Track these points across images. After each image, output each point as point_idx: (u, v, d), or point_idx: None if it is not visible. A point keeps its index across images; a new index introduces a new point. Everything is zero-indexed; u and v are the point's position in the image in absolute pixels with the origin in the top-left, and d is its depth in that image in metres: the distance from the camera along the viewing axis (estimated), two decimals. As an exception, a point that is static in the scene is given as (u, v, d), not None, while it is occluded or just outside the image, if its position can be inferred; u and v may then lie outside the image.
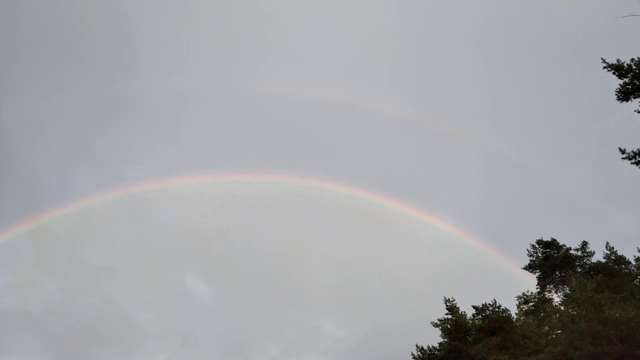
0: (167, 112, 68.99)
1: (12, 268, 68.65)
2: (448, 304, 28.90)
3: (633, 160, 14.76)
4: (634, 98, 14.51)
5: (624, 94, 14.59)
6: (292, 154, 73.06)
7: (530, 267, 30.11)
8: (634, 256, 27.09)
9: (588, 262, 28.52)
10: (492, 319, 25.77)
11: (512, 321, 26.35)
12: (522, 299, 31.32)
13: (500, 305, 26.60)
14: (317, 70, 67.96)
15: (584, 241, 29.30)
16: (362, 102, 66.79)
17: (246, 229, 74.32)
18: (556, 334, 25.44)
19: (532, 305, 30.23)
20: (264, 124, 73.42)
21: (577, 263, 28.67)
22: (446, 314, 28.96)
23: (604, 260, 27.58)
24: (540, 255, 29.73)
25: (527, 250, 30.31)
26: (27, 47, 60.07)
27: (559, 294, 28.94)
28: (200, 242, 72.97)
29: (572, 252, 29.05)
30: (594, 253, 29.01)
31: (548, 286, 29.50)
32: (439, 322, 29.00)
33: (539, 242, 29.95)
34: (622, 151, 14.92)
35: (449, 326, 28.05)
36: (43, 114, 62.76)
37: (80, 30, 60.34)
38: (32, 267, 69.50)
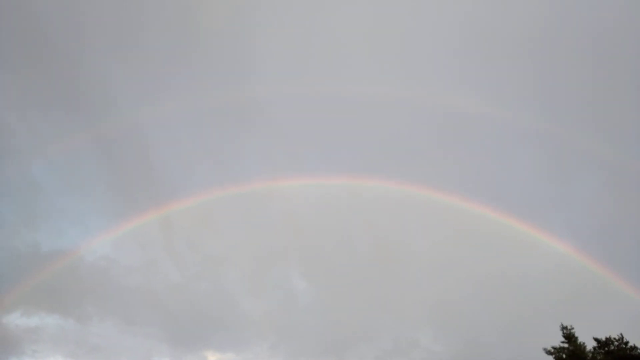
0: (278, 117, 73.03)
1: (142, 250, 77.81)
2: (565, 331, 27.31)
3: None
4: None
5: None
6: (395, 159, 72.75)
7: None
8: None
9: None
10: (617, 356, 23.90)
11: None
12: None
13: (627, 342, 24.57)
14: (419, 73, 66.82)
15: None
16: (469, 107, 64.17)
17: (347, 232, 75.84)
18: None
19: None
20: (368, 129, 74.16)
21: None
22: (562, 342, 27.41)
23: None
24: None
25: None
26: (160, 54, 67.74)
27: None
28: (303, 241, 76.12)
29: None
30: None
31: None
32: (552, 350, 27.48)
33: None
34: None
35: (564, 356, 26.51)
36: (173, 116, 70.17)
37: (209, 38, 66.43)
38: (158, 250, 78.19)
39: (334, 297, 73.54)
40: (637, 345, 24.24)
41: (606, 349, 24.78)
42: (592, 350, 25.94)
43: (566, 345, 26.66)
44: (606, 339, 24.97)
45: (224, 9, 64.42)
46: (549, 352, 27.39)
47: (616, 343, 24.50)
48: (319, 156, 72.90)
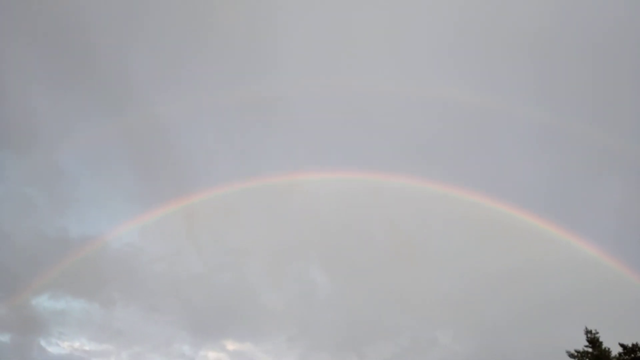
0: (301, 112, 73.10)
1: (166, 239, 79.37)
2: (589, 335, 26.76)
3: None
4: None
5: None
6: (417, 156, 71.97)
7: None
8: None
9: None
10: (644, 362, 23.29)
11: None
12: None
13: (656, 349, 23.90)
14: (442, 71, 65.65)
15: None
16: (492, 104, 62.90)
17: (368, 228, 75.65)
18: None
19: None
20: (391, 125, 73.53)
21: None
22: (585, 347, 26.89)
23: None
24: None
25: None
26: (188, 49, 68.58)
27: None
28: (325, 236, 76.31)
29: None
30: None
31: None
32: (576, 354, 26.97)
33: None
34: None
35: (588, 360, 26.05)
36: (198, 109, 71.04)
37: (234, 33, 66.90)
38: (182, 240, 79.62)
39: (353, 293, 73.69)
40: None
41: (632, 355, 24.12)
42: (618, 356, 25.35)
43: (590, 349, 26.13)
44: (633, 345, 24.33)
45: (249, 5, 64.88)
46: (572, 356, 26.89)
47: (644, 349, 23.81)
48: (340, 151, 72.83)
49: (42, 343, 64.65)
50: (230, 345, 79.89)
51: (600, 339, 26.36)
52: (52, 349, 64.65)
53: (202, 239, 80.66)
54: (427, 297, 67.58)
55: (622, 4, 59.44)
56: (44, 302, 68.88)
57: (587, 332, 26.82)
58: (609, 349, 26.05)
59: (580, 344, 26.74)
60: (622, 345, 25.21)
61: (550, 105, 63.76)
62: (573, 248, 54.72)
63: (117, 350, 71.34)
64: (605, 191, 65.83)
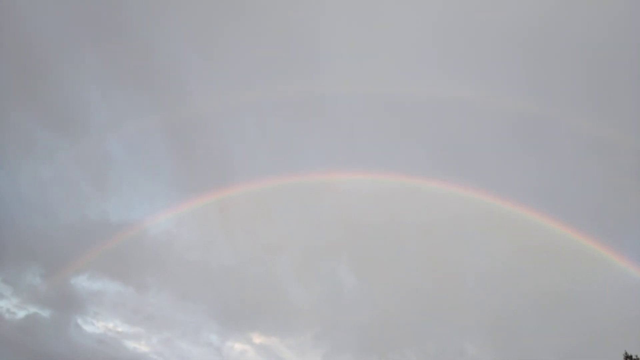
0: (341, 112, 72.90)
1: (201, 230, 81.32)
2: (628, 361, 25.08)
3: None
4: None
5: None
6: (458, 162, 69.99)
7: None
8: None
9: None
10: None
11: None
12: None
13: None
14: (486, 74, 63.38)
15: None
16: (539, 111, 60.16)
17: (400, 232, 74.42)
18: None
19: None
20: (431, 129, 72.01)
21: None
22: (624, 372, 25.18)
23: None
24: None
25: None
26: (233, 46, 69.75)
27: None
28: (355, 237, 75.80)
29: None
30: None
31: None
32: (612, 380, 25.36)
33: None
34: None
35: (626, 387, 24.34)
36: (240, 105, 72.25)
37: (279, 33, 67.57)
38: (216, 231, 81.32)
39: (381, 296, 72.77)
40: None
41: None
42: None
43: (629, 375, 24.44)
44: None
45: (296, 4, 65.28)
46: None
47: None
48: (376, 153, 72.06)
49: (79, 321, 67.84)
50: (257, 339, 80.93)
51: (641, 365, 24.61)
52: (87, 328, 67.73)
53: (235, 232, 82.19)
54: (458, 307, 65.75)
55: (618, 3, 56.04)
56: (82, 282, 72.23)
57: (627, 357, 25.12)
58: (649, 376, 24.27)
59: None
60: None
61: (605, 116, 60.44)
62: (621, 271, 51.74)
63: (148, 334, 73.82)
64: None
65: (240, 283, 79.31)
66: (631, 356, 25.14)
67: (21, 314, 62.78)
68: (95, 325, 69.27)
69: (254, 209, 76.70)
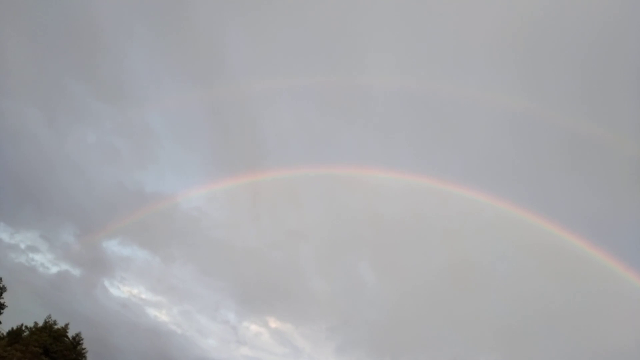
0: (381, 109, 72.01)
1: (230, 209, 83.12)
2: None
3: None
4: None
5: None
6: (495, 174, 67.91)
7: None
8: None
9: None
10: None
11: None
12: None
13: None
14: (533, 87, 60.58)
15: None
16: (583, 130, 57.19)
17: (426, 236, 73.30)
18: None
19: None
20: (472, 136, 70.07)
21: None
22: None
23: None
24: None
25: None
26: (280, 34, 70.05)
27: None
28: (381, 236, 75.43)
29: None
30: None
31: None
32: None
33: None
34: None
35: None
36: (281, 91, 72.59)
37: (324, 27, 67.17)
38: (244, 213, 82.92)
39: (399, 297, 72.18)
40: None
41: None
42: None
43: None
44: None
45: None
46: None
47: None
48: (412, 153, 70.95)
49: (106, 284, 70.82)
50: (273, 323, 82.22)
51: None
52: (113, 291, 70.63)
53: (262, 216, 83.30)
54: (476, 319, 64.36)
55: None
56: (113, 247, 75.26)
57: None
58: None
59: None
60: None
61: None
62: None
63: (169, 304, 76.34)
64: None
65: (262, 266, 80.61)
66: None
67: (54, 269, 66.18)
68: (121, 290, 72.23)
69: (283, 195, 77.48)
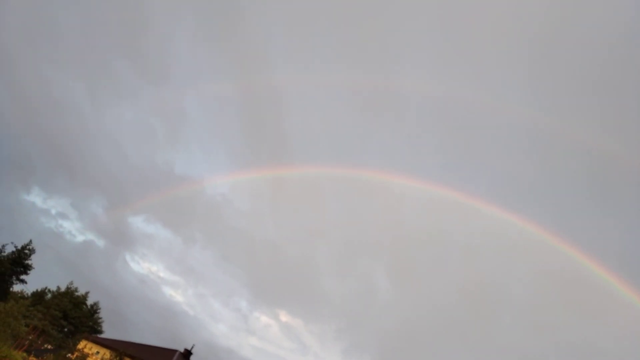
0: (413, 113, 71.44)
1: (253, 200, 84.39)
2: None
3: None
4: None
5: None
6: (521, 193, 66.29)
7: None
8: None
9: None
10: None
11: None
12: None
13: None
14: (564, 108, 58.60)
15: None
16: (613, 156, 54.94)
17: (446, 249, 72.38)
18: None
19: None
20: (499, 154, 68.58)
21: None
22: None
23: None
24: None
25: None
26: (318, 35, 70.24)
27: None
28: (400, 243, 75.00)
29: None
30: None
31: None
32: None
33: None
34: None
35: None
36: (315, 89, 72.77)
37: (365, 31, 66.99)
38: (266, 205, 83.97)
39: (412, 308, 71.50)
40: None
41: None
42: None
43: None
44: None
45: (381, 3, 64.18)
46: None
47: None
48: (440, 164, 69.91)
49: (127, 258, 73.19)
50: (283, 317, 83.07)
51: None
52: (133, 265, 72.92)
53: (284, 210, 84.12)
54: (487, 343, 62.76)
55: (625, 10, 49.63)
56: (138, 222, 77.66)
57: None
58: None
59: None
60: None
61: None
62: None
63: (185, 285, 78.24)
64: None
65: (278, 260, 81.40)
66: None
67: (80, 238, 68.70)
68: (141, 265, 74.39)
69: (306, 192, 77.89)
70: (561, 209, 61.65)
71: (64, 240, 65.44)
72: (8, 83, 63.41)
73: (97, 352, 28.40)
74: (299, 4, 64.69)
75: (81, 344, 28.94)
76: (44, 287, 36.15)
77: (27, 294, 33.93)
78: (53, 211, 68.15)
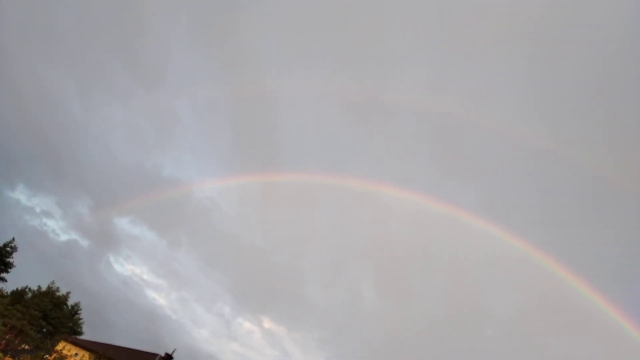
0: (404, 125, 71.76)
1: (241, 205, 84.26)
2: None
3: None
4: None
5: None
6: (508, 205, 66.78)
7: None
8: None
9: None
10: None
11: None
12: None
13: None
14: (563, 125, 59.37)
15: None
16: (616, 183, 55.44)
17: (432, 262, 72.37)
18: None
19: None
20: (487, 168, 69.16)
21: None
22: None
23: None
24: None
25: None
26: (314, 43, 70.65)
27: None
28: (386, 253, 74.90)
29: None
30: None
31: None
32: None
33: None
34: None
35: None
36: (308, 98, 72.94)
37: (357, 38, 67.57)
38: (254, 211, 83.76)
39: (397, 320, 71.20)
40: None
41: None
42: None
43: None
44: None
45: (377, 11, 64.82)
46: None
47: None
48: (429, 176, 70.23)
49: (111, 259, 72.12)
50: (266, 323, 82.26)
51: None
52: (117, 267, 71.87)
53: (271, 217, 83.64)
54: (471, 354, 62.85)
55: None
56: (123, 224, 76.57)
57: None
58: None
59: None
60: None
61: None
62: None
63: (169, 289, 77.26)
64: None
65: (264, 266, 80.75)
66: None
67: (64, 237, 67.64)
68: (125, 267, 73.37)
69: (294, 199, 77.67)
70: (549, 226, 62.24)
71: (48, 239, 64.45)
72: (-2, 78, 62.68)
73: (76, 354, 27.92)
74: (294, 12, 65.03)
75: (60, 345, 28.43)
76: (25, 286, 35.51)
77: (7, 292, 33.29)
78: (37, 209, 67.16)
